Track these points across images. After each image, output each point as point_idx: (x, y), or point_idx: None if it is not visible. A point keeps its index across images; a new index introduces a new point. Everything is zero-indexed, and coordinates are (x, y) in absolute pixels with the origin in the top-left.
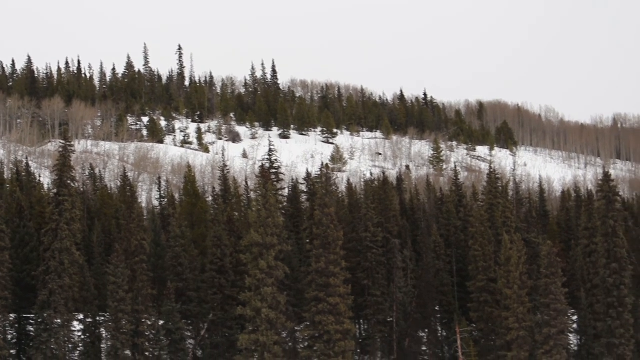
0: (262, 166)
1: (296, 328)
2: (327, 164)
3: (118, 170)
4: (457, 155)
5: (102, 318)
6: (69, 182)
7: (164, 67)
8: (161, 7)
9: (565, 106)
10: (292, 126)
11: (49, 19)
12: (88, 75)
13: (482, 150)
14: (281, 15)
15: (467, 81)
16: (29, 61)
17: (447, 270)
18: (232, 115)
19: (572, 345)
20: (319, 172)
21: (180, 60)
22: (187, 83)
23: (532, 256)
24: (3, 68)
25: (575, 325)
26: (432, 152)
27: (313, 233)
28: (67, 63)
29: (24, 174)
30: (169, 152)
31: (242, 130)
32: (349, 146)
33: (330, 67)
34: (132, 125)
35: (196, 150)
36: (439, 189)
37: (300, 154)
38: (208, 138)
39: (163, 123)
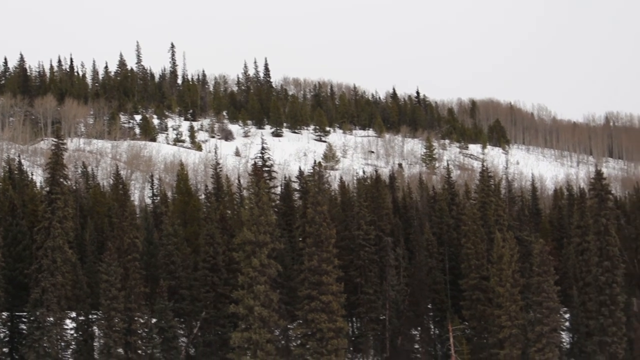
0: (255, 164)
1: (289, 326)
2: (319, 162)
3: (110, 169)
4: (450, 153)
5: (95, 316)
6: (61, 180)
7: (157, 65)
8: (154, 5)
9: (558, 104)
10: (284, 124)
11: (42, 16)
12: (80, 73)
13: (474, 148)
14: (274, 13)
15: (459, 80)
16: (22, 59)
17: (439, 268)
18: (224, 113)
19: (565, 343)
20: (312, 170)
21: (172, 59)
22: (179, 81)
23: (524, 254)
24: None
25: (567, 323)
26: (424, 151)
27: (306, 231)
28: (59, 61)
29: (16, 172)
30: (162, 150)
31: (235, 128)
32: (341, 144)
33: (323, 66)
34: (124, 123)
35: (189, 148)
36: (431, 187)
37: (292, 152)
38: (200, 136)
39: (156, 121)
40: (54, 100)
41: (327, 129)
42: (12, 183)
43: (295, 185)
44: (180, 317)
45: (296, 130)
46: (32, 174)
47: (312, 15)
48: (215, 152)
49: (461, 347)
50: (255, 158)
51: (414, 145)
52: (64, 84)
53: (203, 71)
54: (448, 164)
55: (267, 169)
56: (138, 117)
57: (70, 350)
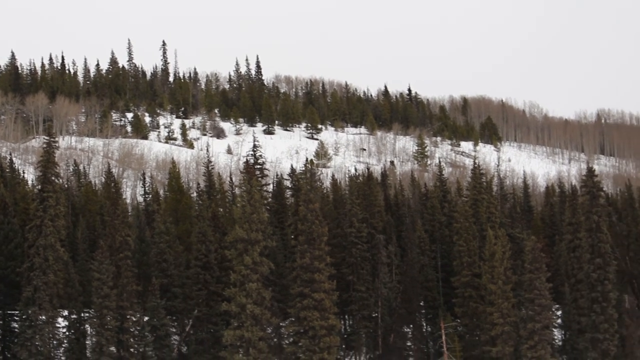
0: (247, 162)
1: (281, 324)
2: (311, 160)
3: (102, 167)
4: (442, 150)
5: (87, 314)
6: (53, 178)
7: (148, 62)
8: (145, 2)
9: (549, 102)
10: (276, 122)
11: (34, 14)
12: (72, 71)
13: (466, 145)
14: (266, 11)
15: (451, 77)
16: (13, 57)
17: (431, 266)
18: (216, 111)
19: (557, 340)
20: (304, 168)
21: (164, 56)
22: (171, 79)
23: (516, 251)
24: None
25: (559, 320)
26: (416, 148)
27: (298, 229)
28: (50, 59)
29: (7, 170)
30: (153, 148)
31: (227, 126)
32: (333, 142)
33: (315, 63)
34: (116, 121)
35: (180, 146)
36: (423, 184)
37: (284, 150)
38: (192, 134)
39: (147, 119)
40: (45, 98)
41: (319, 126)
42: (3, 181)
43: (287, 183)
44: (172, 315)
45: (288, 128)
46: (23, 172)
47: (304, 12)
48: (207, 150)
49: (453, 344)
50: (247, 156)
51: (406, 143)
52: (56, 81)
53: (195, 69)
54: (440, 162)
55: (259, 166)
56: (130, 115)
57: (63, 348)
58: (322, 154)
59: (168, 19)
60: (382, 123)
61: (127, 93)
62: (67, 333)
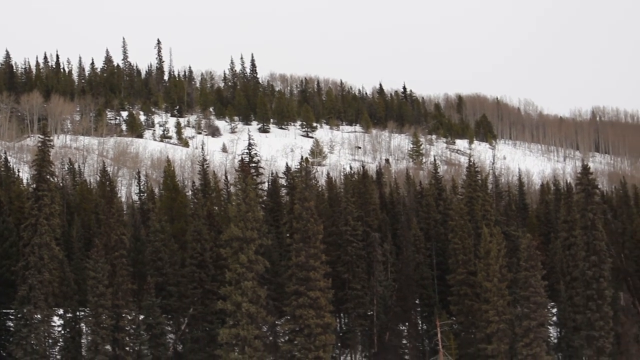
0: (242, 160)
1: (277, 322)
2: (306, 158)
3: (97, 165)
4: (437, 148)
5: (82, 313)
6: (48, 177)
7: (143, 61)
8: (140, 0)
9: (544, 99)
10: (271, 120)
11: (29, 12)
12: (67, 69)
13: (461, 143)
14: (260, 9)
15: (445, 75)
16: (7, 56)
17: (427, 264)
18: (211, 109)
19: (552, 338)
20: (299, 166)
21: (159, 55)
22: (166, 77)
23: (511, 249)
24: None
25: (554, 318)
26: (411, 146)
27: (293, 227)
28: (45, 57)
29: (2, 169)
30: (148, 146)
31: (222, 124)
32: (328, 140)
33: (310, 61)
34: (111, 119)
35: (175, 144)
36: (418, 182)
37: (279, 148)
38: (187, 132)
39: (142, 117)
40: (40, 97)
41: (314, 124)
42: None
43: (283, 181)
44: (167, 313)
45: (283, 126)
46: (18, 171)
47: (299, 11)
48: (202, 149)
49: (449, 342)
50: (242, 154)
51: (401, 141)
52: (50, 80)
53: (189, 67)
54: (435, 159)
55: (254, 165)
56: (124, 114)
57: (58, 347)
58: (317, 152)
59: (163, 18)
60: (377, 121)
61: (122, 92)
62: (62, 332)
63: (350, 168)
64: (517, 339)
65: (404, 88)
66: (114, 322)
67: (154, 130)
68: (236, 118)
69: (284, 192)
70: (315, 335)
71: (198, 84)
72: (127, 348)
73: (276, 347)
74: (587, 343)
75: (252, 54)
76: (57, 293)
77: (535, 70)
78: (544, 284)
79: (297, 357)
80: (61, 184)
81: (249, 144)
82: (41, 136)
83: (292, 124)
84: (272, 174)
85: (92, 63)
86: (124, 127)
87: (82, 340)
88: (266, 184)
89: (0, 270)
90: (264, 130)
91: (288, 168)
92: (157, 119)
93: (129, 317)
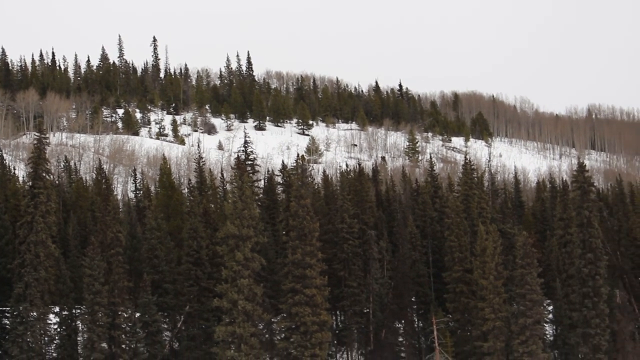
0: (238, 158)
1: (273, 320)
2: (302, 156)
3: (93, 163)
4: (433, 146)
5: (78, 311)
6: (44, 174)
7: (139, 58)
8: None
9: (540, 97)
10: (267, 118)
11: (25, 10)
12: (62, 67)
13: (457, 141)
14: (256, 6)
15: (441, 73)
16: (3, 53)
17: (423, 261)
18: (207, 107)
19: (548, 335)
20: (295, 164)
21: (155, 52)
22: (162, 75)
23: (507, 247)
24: None
25: (550, 316)
26: (407, 144)
27: (289, 224)
28: (41, 55)
29: None
30: (145, 144)
31: (218, 122)
32: (324, 138)
33: (306, 59)
34: (107, 117)
35: (171, 142)
36: (414, 180)
37: (275, 146)
38: (183, 130)
39: (138, 115)
40: (36, 95)
41: (310, 122)
42: None
43: (279, 179)
44: (164, 311)
45: (279, 124)
46: (14, 169)
47: (295, 8)
48: (198, 146)
49: (445, 339)
50: (238, 152)
51: (397, 139)
52: (46, 78)
53: (185, 65)
54: (431, 157)
55: (250, 162)
56: (120, 111)
57: (54, 345)
58: (313, 149)
59: (158, 15)
60: (373, 119)
61: (118, 89)
62: (58, 329)
63: (347, 166)
64: (513, 336)
65: (400, 86)
66: (110, 319)
67: (150, 127)
68: (232, 116)
69: (280, 190)
70: (311, 333)
71: (194, 82)
72: (123, 346)
73: (272, 344)
74: (583, 340)
75: (248, 52)
76: (53, 291)
77: (531, 68)
78: (540, 282)
79: (294, 354)
80: (57, 182)
81: (245, 142)
82: (37, 134)
83: (288, 121)
84: (268, 171)
85: (88, 60)
86: (119, 124)
87: (78, 338)
88: (262, 182)
89: None
90: (260, 127)
91: (284, 166)
92: (153, 116)
93: (125, 315)
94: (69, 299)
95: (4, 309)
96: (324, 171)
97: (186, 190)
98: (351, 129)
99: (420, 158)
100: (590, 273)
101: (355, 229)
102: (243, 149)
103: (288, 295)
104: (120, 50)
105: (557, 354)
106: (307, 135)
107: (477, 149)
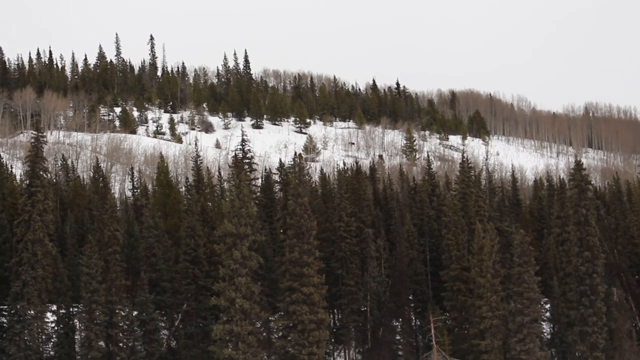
0: (235, 156)
1: (270, 318)
2: (300, 154)
3: (91, 161)
4: (430, 144)
5: (76, 309)
6: (41, 173)
7: (136, 57)
8: None
9: (537, 95)
10: (265, 116)
11: (22, 9)
12: (60, 65)
13: (454, 139)
14: (253, 4)
15: (439, 71)
16: (0, 51)
17: (420, 260)
18: (204, 105)
19: (545, 334)
20: (292, 162)
21: (152, 51)
22: (159, 73)
23: (504, 245)
24: None
25: (548, 314)
26: (404, 142)
27: (286, 223)
28: (38, 54)
29: None
30: (142, 142)
31: (215, 120)
32: (322, 136)
33: (303, 57)
34: (104, 115)
35: (169, 140)
36: (412, 178)
37: (273, 144)
38: (181, 128)
39: (135, 113)
40: (33, 93)
41: (308, 120)
42: None
43: (276, 177)
44: (161, 309)
45: (276, 122)
46: (11, 167)
47: (292, 6)
48: (196, 144)
49: (442, 338)
50: (236, 150)
51: (394, 137)
52: (43, 76)
53: (183, 63)
54: (428, 155)
55: (247, 161)
56: (118, 110)
57: (51, 343)
58: (310, 148)
59: (156, 14)
60: (371, 117)
61: (115, 88)
62: (55, 328)
63: (344, 164)
64: (510, 334)
65: (398, 84)
66: (107, 318)
67: (147, 126)
68: (229, 114)
69: (277, 188)
70: (308, 331)
71: (191, 80)
72: (121, 344)
73: (270, 343)
74: (581, 339)
75: (245, 50)
76: (51, 289)
77: (528, 66)
78: (537, 280)
79: (291, 353)
80: (54, 180)
81: (243, 140)
82: (34, 132)
83: (286, 119)
84: (265, 170)
85: (85, 59)
86: (117, 123)
87: (76, 337)
88: (260, 180)
89: None
90: (257, 126)
91: (281, 164)
92: (150, 115)
93: (123, 313)
94: (67, 298)
95: (1, 307)
96: (322, 169)
97: (184, 188)
98: (348, 127)
99: (417, 156)
100: (588, 271)
101: (353, 227)
102: (240, 147)
103: (285, 294)
104: (118, 48)
105: (554, 352)
106: (305, 133)
107: (475, 147)
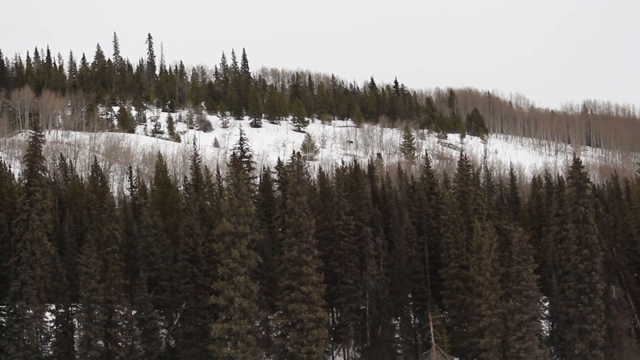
0: (234, 155)
1: (269, 317)
2: (298, 153)
3: (89, 160)
4: (428, 142)
5: (75, 308)
6: (39, 172)
7: (134, 56)
8: None
9: (536, 93)
10: (263, 115)
11: (20, 7)
12: (58, 64)
13: (453, 137)
14: (251, 3)
15: (437, 69)
16: None
17: (419, 258)
18: (203, 104)
19: (544, 332)
20: (291, 161)
21: (150, 49)
22: (157, 72)
23: (503, 243)
24: None
25: (547, 312)
26: (403, 140)
27: (285, 222)
28: (36, 53)
29: None
30: (140, 141)
31: (213, 119)
32: (320, 134)
33: (301, 56)
34: (102, 115)
35: (167, 139)
36: (410, 176)
37: (271, 143)
38: (179, 127)
39: (134, 112)
40: (31, 92)
41: (306, 119)
42: None
43: (274, 176)
44: (160, 308)
45: (275, 121)
46: (10, 167)
47: (289, 4)
48: (194, 143)
49: (441, 336)
50: (234, 149)
51: (393, 135)
52: (41, 75)
53: (181, 62)
54: (427, 154)
55: (246, 159)
56: (116, 109)
57: (50, 342)
58: (309, 146)
59: (153, 12)
60: (369, 115)
61: (114, 86)
62: (54, 327)
63: (342, 162)
64: (509, 332)
65: (396, 82)
66: (106, 317)
67: (146, 125)
68: (228, 113)
69: (276, 187)
70: (307, 330)
71: (189, 79)
72: (120, 343)
73: (269, 341)
74: (580, 336)
75: (243, 49)
76: (49, 288)
77: (526, 64)
78: (536, 278)
79: (290, 351)
80: (53, 180)
81: (241, 139)
82: (32, 131)
83: (284, 118)
84: (264, 168)
85: (83, 58)
86: (115, 122)
87: (75, 336)
88: (258, 179)
89: None
90: (255, 125)
91: (280, 163)
92: (148, 113)
93: (122, 313)
94: (65, 297)
95: (0, 307)
96: (320, 168)
97: (182, 187)
98: (347, 126)
99: (416, 155)
100: (586, 269)
101: (352, 226)
102: (239, 146)
103: (284, 293)
104: (116, 47)
105: (553, 350)
106: (303, 132)
107: (473, 145)
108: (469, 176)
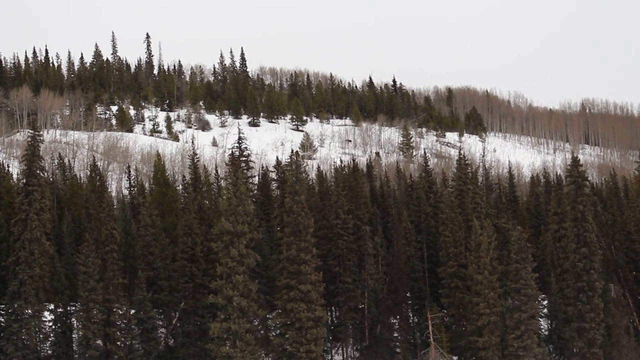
0: (232, 154)
1: (268, 316)
2: (297, 152)
3: (87, 160)
4: (427, 141)
5: (73, 308)
6: (38, 172)
7: (132, 55)
8: None
9: (534, 92)
10: (261, 114)
11: (18, 7)
12: (56, 64)
13: (451, 136)
14: (250, 2)
15: (435, 68)
16: None
17: (417, 257)
18: (201, 103)
19: (543, 330)
20: (289, 160)
21: (148, 49)
22: (155, 71)
23: (502, 241)
24: None
25: (545, 310)
26: (401, 139)
27: (284, 221)
28: (34, 52)
29: None
30: (139, 141)
31: (212, 118)
32: (318, 133)
33: (299, 54)
34: (101, 114)
35: (166, 139)
36: (408, 175)
37: (270, 142)
38: (177, 127)
39: (132, 112)
40: (29, 92)
41: (304, 118)
42: None
43: (273, 175)
44: (159, 308)
45: (273, 120)
46: (8, 166)
47: (288, 3)
48: (192, 143)
49: (440, 335)
50: (233, 148)
51: (391, 134)
52: (40, 75)
53: (179, 61)
54: (425, 152)
55: (244, 158)
56: (114, 108)
57: (49, 342)
58: (307, 145)
59: (151, 12)
60: (367, 114)
61: (112, 86)
62: (53, 327)
63: (341, 161)
64: (508, 331)
65: (394, 81)
66: (105, 316)
67: (144, 124)
68: (226, 112)
69: (274, 186)
70: (306, 329)
71: (188, 78)
72: (119, 343)
73: (267, 340)
74: (578, 335)
75: (241, 48)
76: (48, 288)
77: (525, 63)
78: (535, 276)
79: (289, 350)
80: (51, 179)
81: (239, 138)
82: (31, 131)
83: (282, 117)
84: (262, 167)
85: (82, 57)
86: (113, 121)
87: (73, 335)
88: (257, 178)
89: None
90: (254, 124)
91: (278, 162)
92: (147, 113)
93: (120, 312)
94: (64, 297)
95: None
96: (318, 167)
97: (180, 186)
98: (345, 125)
99: (414, 153)
100: (585, 267)
101: (350, 225)
102: (237, 145)
103: (283, 292)
104: (114, 47)
105: (552, 348)
106: (301, 131)
107: (471, 144)
108: (468, 175)
